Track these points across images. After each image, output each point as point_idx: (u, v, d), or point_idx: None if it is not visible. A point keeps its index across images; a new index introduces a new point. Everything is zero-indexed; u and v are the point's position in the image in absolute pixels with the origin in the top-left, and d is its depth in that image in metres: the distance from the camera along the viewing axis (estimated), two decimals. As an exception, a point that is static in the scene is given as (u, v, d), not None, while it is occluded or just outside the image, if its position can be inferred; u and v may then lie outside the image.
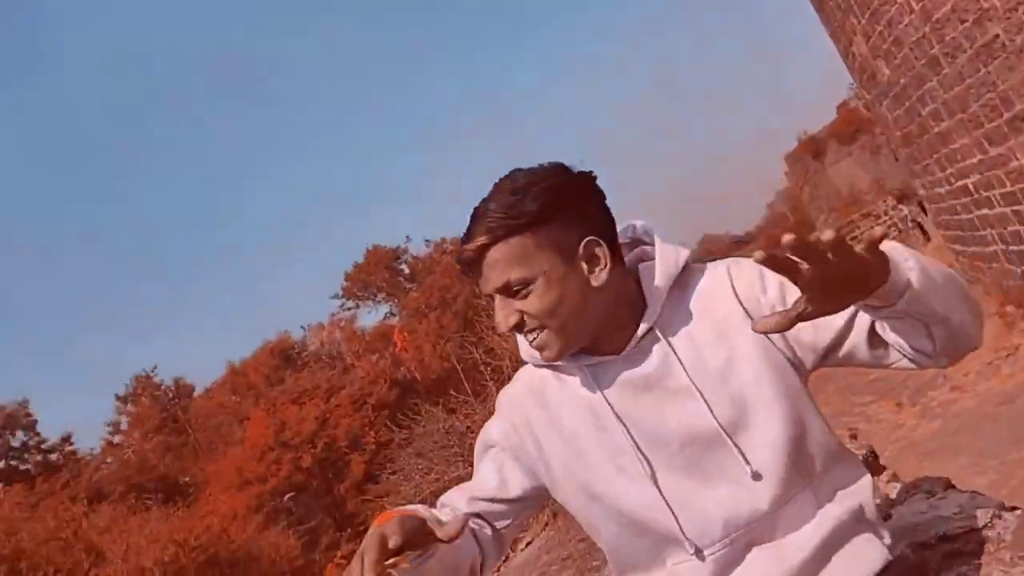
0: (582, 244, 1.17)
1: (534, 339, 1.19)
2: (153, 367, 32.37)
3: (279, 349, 28.07)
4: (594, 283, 1.17)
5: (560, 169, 1.19)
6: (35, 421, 26.91)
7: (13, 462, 25.91)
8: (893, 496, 1.66)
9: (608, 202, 1.24)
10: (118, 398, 29.71)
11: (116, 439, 29.16)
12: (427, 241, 34.10)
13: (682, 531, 1.17)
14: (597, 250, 1.18)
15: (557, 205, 1.15)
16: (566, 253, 1.16)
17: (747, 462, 1.16)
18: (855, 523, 1.18)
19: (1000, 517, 1.37)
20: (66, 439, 26.70)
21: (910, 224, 16.91)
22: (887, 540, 1.20)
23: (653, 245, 1.27)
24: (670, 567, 1.20)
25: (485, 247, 1.15)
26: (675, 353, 1.20)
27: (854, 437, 7.25)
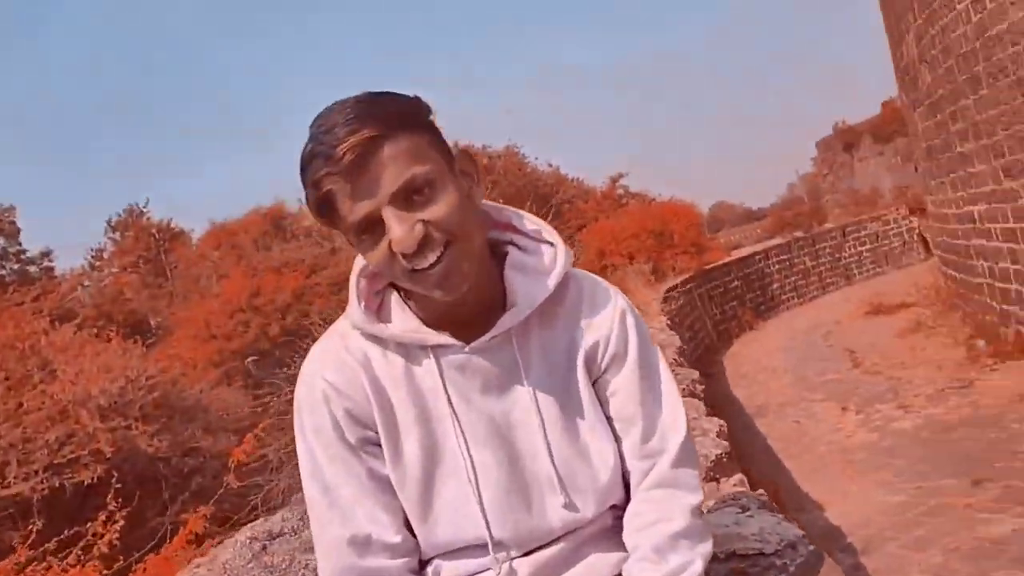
0: (456, 157, 1.01)
1: (436, 260, 0.94)
2: (146, 201, 32.35)
3: (272, 216, 27.89)
4: (475, 199, 1.01)
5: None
6: (19, 230, 26.90)
7: (-9, 265, 26.05)
8: (710, 504, 1.65)
9: None
10: (108, 224, 29.75)
11: (97, 264, 29.32)
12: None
13: (491, 536, 1.06)
14: (467, 166, 1.02)
15: (428, 112, 0.99)
16: (449, 161, 0.98)
17: (565, 494, 1.08)
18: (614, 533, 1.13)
19: (794, 548, 1.37)
20: (46, 254, 26.71)
21: (916, 237, 16.73)
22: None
23: (525, 234, 1.10)
24: (471, 565, 1.08)
25: (377, 140, 0.91)
26: (521, 366, 1.06)
27: (797, 422, 7.19)
